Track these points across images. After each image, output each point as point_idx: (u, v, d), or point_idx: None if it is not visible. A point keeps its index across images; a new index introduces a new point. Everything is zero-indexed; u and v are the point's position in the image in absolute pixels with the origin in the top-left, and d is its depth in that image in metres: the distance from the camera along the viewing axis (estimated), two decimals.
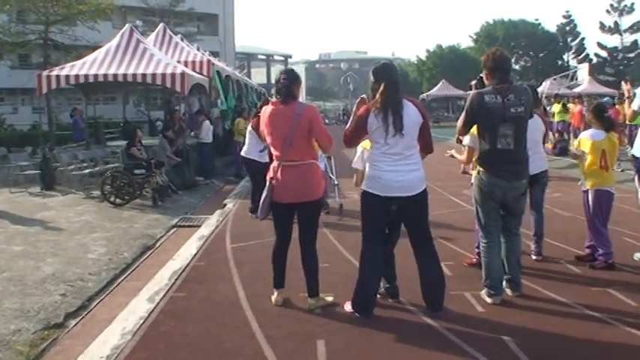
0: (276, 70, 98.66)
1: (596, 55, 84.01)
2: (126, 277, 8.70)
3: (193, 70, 20.08)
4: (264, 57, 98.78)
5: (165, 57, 19.30)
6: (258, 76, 79.02)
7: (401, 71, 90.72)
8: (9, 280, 8.24)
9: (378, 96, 5.98)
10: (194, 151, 18.50)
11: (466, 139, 7.67)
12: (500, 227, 6.70)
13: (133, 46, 18.21)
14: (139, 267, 9.21)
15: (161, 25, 24.14)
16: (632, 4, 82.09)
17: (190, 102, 26.66)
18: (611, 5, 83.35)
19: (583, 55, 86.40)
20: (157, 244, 10.66)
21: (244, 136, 20.39)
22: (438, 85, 66.16)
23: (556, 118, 26.20)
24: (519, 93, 6.33)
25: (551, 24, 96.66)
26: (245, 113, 21.64)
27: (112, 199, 14.31)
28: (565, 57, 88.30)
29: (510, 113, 6.24)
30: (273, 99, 6.51)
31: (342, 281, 7.12)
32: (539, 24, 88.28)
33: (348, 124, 6.26)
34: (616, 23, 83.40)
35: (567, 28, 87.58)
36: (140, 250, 10.11)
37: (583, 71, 54.28)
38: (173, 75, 17.14)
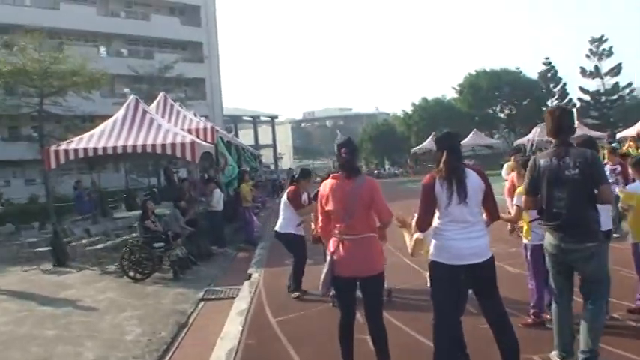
0: (263, 131, 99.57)
1: (579, 99, 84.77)
2: (170, 358, 8.42)
3: (197, 137, 20.00)
4: (250, 118, 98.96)
5: (171, 127, 19.23)
6: (245, 138, 79.10)
7: (387, 126, 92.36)
8: None
9: (441, 165, 5.95)
10: (204, 220, 18.27)
11: (515, 199, 7.64)
12: (571, 289, 6.54)
13: (140, 117, 18.14)
14: (180, 347, 8.93)
15: (161, 95, 24.15)
16: (611, 47, 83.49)
17: (191, 169, 26.56)
18: (590, 50, 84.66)
19: (566, 100, 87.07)
20: (190, 321, 10.37)
21: (249, 201, 20.58)
22: (429, 139, 66.37)
23: None
24: (576, 155, 6.23)
25: (532, 72, 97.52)
26: (247, 177, 21.63)
27: (132, 273, 14.05)
28: (549, 103, 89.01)
29: (565, 176, 6.16)
30: (335, 173, 6.47)
31: (402, 352, 6.90)
32: (521, 72, 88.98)
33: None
34: (596, 67, 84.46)
35: (548, 74, 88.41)
36: (175, 328, 9.83)
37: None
38: (183, 145, 17.06)
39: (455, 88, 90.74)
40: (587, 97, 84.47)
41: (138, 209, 22.63)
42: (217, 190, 18.59)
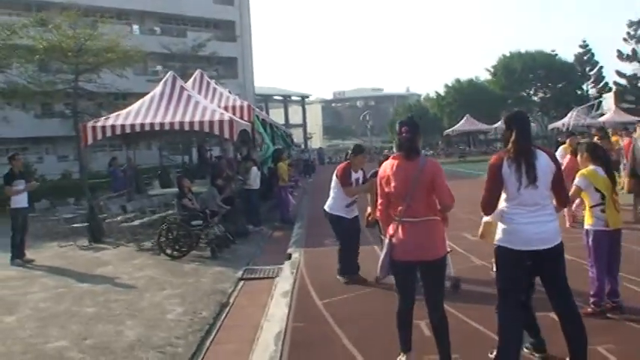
0: (293, 110, 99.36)
1: (615, 83, 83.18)
2: (213, 339, 8.15)
3: (234, 115, 19.73)
4: (281, 98, 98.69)
5: (209, 104, 18.96)
6: (276, 117, 78.72)
7: (420, 107, 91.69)
8: (95, 348, 7.75)
9: (510, 144, 5.63)
10: (240, 198, 18.02)
11: (577, 180, 7.35)
12: None
13: (178, 94, 17.92)
14: (223, 327, 8.65)
15: (198, 72, 23.88)
16: None
17: (226, 147, 26.36)
18: (628, 33, 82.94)
19: (602, 83, 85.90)
20: (231, 301, 10.10)
21: (286, 180, 20.32)
22: (463, 120, 65.83)
23: None
24: None
25: (568, 54, 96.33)
26: (284, 156, 21.34)
27: (169, 251, 13.86)
28: (584, 87, 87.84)
29: None
30: (395, 153, 6.12)
31: (463, 340, 6.56)
32: (557, 55, 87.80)
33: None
34: (634, 51, 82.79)
35: (585, 57, 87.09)
36: (217, 308, 9.56)
37: (609, 100, 53.87)
38: (221, 122, 16.80)
39: (489, 70, 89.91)
40: (623, 82, 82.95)
41: (172, 186, 22.54)
42: (254, 169, 18.34)
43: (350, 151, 10.42)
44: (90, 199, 18.35)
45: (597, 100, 57.82)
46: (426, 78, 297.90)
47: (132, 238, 15.93)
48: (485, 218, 6.13)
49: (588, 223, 7.70)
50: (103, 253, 14.91)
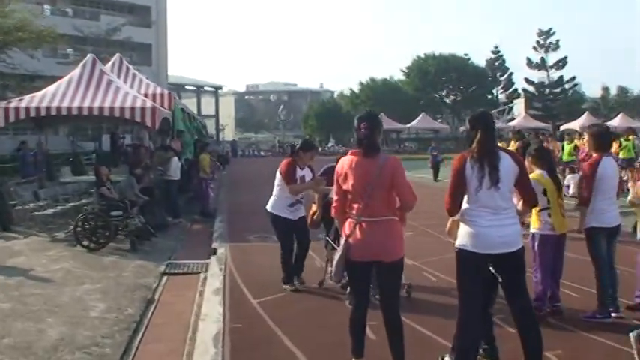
0: (206, 101, 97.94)
1: (524, 90, 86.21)
2: (142, 338, 7.67)
3: (154, 102, 19.07)
4: (193, 87, 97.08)
5: (130, 89, 18.24)
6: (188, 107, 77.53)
7: (334, 103, 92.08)
8: (14, 348, 7.13)
9: (474, 144, 5.49)
10: (159, 189, 17.40)
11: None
12: None
13: (97, 78, 17.13)
14: (151, 325, 8.18)
15: (117, 56, 22.93)
16: (558, 41, 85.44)
17: (141, 135, 25.62)
18: (538, 42, 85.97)
19: (511, 89, 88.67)
20: (157, 297, 9.60)
21: (207, 172, 19.80)
22: None
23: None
24: None
25: (480, 59, 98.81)
26: (209, 148, 20.82)
27: (86, 242, 13.16)
28: (494, 91, 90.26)
29: None
30: (353, 149, 5.83)
31: (415, 349, 6.31)
32: (469, 59, 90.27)
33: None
34: (542, 59, 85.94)
35: (496, 63, 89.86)
36: (143, 305, 9.04)
37: (519, 106, 55.48)
38: (143, 109, 16.15)
39: (403, 71, 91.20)
40: (531, 89, 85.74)
41: (85, 174, 21.69)
42: (175, 159, 17.76)
43: (297, 146, 9.69)
44: (1, 185, 17.34)
45: (508, 106, 59.44)
46: (340, 75, 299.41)
47: (44, 228, 15.09)
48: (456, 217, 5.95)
49: (535, 226, 7.66)
50: (14, 243, 14.03)
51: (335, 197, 5.92)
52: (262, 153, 76.48)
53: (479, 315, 5.59)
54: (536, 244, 7.65)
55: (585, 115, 55.98)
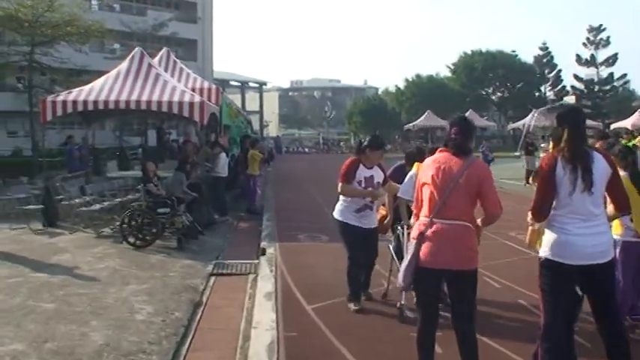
0: (250, 97, 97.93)
1: (573, 87, 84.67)
2: (190, 344, 7.24)
3: (201, 97, 18.73)
4: (238, 83, 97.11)
5: (177, 84, 17.91)
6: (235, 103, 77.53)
7: (378, 100, 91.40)
8: (57, 353, 6.74)
9: (563, 143, 4.95)
10: (205, 185, 17.03)
11: None
12: None
13: (145, 71, 16.81)
14: (199, 330, 7.75)
15: (165, 50, 22.71)
16: (608, 37, 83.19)
17: (188, 130, 25.33)
18: (588, 38, 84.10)
19: (560, 87, 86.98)
20: (204, 299, 9.17)
21: (257, 169, 19.39)
22: (424, 116, 65.38)
23: None
24: None
25: (528, 56, 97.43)
26: (258, 145, 20.44)
27: (132, 240, 12.83)
28: (542, 89, 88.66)
29: None
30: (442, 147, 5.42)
31: None
32: (517, 55, 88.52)
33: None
34: (592, 56, 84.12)
35: (544, 60, 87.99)
36: (190, 308, 8.62)
37: (570, 103, 54.09)
38: (192, 104, 15.78)
39: (449, 67, 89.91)
40: (581, 86, 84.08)
41: (131, 169, 21.45)
42: (223, 155, 17.41)
43: (364, 142, 8.32)
44: (47, 180, 17.13)
45: (559, 103, 58.04)
46: (384, 72, 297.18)
47: (90, 224, 14.84)
48: (533, 224, 5.39)
49: (617, 232, 7.03)
50: (60, 239, 13.78)
51: (415, 203, 5.45)
52: (306, 149, 76.30)
53: (566, 332, 5.05)
54: (617, 251, 7.04)
55: (637, 113, 54.39)
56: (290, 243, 12.85)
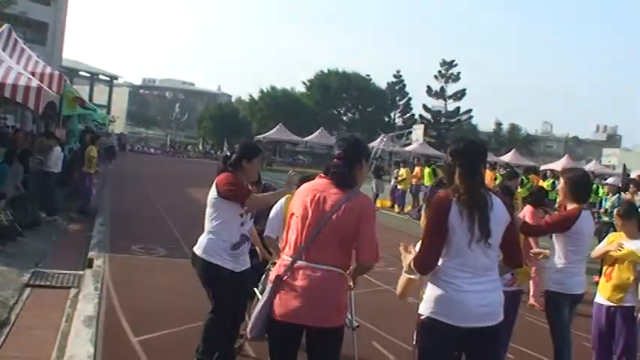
0: (99, 90, 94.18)
1: (421, 116, 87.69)
2: None
3: (41, 82, 17.01)
4: (87, 75, 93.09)
5: (15, 65, 16.11)
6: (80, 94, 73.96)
7: (231, 107, 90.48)
8: None
9: (458, 182, 4.15)
10: (35, 180, 15.38)
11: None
12: None
13: None
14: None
15: (6, 26, 20.62)
16: (459, 73, 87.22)
17: (26, 116, 23.34)
18: (440, 72, 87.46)
19: (409, 114, 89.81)
20: (13, 317, 7.78)
21: (94, 166, 17.89)
22: (275, 129, 65.16)
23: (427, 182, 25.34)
24: None
25: (382, 81, 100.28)
26: (99, 140, 18.95)
27: None
28: (392, 115, 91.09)
29: None
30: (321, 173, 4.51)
31: None
32: (371, 80, 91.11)
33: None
34: (442, 89, 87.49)
35: (396, 87, 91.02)
36: None
37: (418, 131, 55.23)
38: (27, 88, 14.05)
39: (304, 83, 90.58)
40: (428, 116, 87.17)
41: None
42: (58, 148, 15.81)
43: (234, 153, 6.15)
44: None
45: (407, 130, 59.25)
46: (239, 80, 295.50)
47: None
48: (409, 274, 4.52)
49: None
50: None
51: (285, 235, 4.48)
52: (152, 150, 74.00)
53: None
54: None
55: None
56: (122, 255, 11.53)
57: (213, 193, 5.98)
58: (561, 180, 6.41)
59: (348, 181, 4.33)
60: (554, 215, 6.82)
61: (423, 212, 4.96)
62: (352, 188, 4.33)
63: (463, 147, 4.31)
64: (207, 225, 6.05)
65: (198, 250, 6.02)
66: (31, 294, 8.85)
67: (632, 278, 6.37)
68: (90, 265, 10.44)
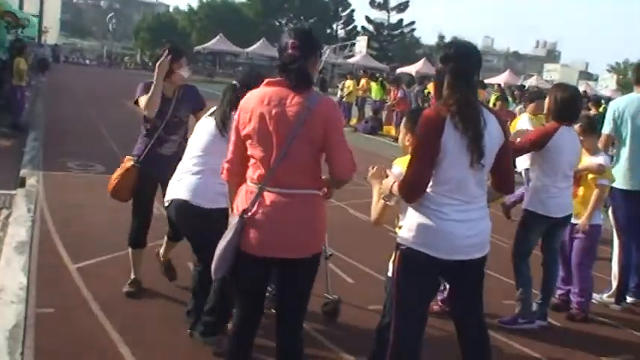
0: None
1: (363, 28, 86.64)
2: None
3: None
4: None
5: None
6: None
7: (169, 17, 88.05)
8: None
9: (451, 94, 3.60)
10: None
11: None
12: None
13: None
14: None
15: None
16: None
17: None
18: None
19: (351, 26, 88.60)
20: None
21: (24, 79, 16.85)
22: (215, 39, 63.56)
23: (375, 96, 24.96)
24: None
25: None
26: (28, 50, 17.82)
27: None
28: (334, 26, 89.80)
29: None
30: (269, 78, 3.72)
31: None
32: None
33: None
34: (385, 0, 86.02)
35: None
36: None
37: (361, 43, 54.66)
38: None
39: None
40: (371, 28, 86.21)
41: None
42: None
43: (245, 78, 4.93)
44: None
45: (351, 42, 58.57)
46: None
47: None
48: (388, 200, 3.97)
49: None
50: None
51: (229, 153, 3.81)
52: (87, 61, 71.62)
53: (420, 340, 3.85)
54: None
55: (423, 61, 56.15)
56: (57, 173, 10.77)
57: (206, 120, 5.02)
58: (548, 97, 5.98)
59: (307, 79, 3.61)
60: (531, 132, 6.38)
61: (402, 129, 4.42)
62: (310, 88, 3.64)
63: (455, 51, 3.72)
64: (198, 158, 4.91)
65: (189, 195, 4.85)
66: None
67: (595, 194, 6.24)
68: (22, 185, 9.69)
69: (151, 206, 5.84)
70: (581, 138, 6.10)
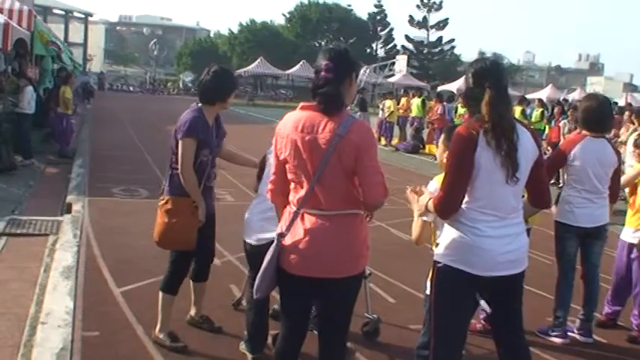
0: (74, 28, 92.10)
1: (403, 47, 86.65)
2: None
3: (10, 19, 16.21)
4: (62, 12, 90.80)
5: None
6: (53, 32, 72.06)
7: (210, 42, 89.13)
8: None
9: (485, 110, 3.60)
10: (8, 123, 14.69)
11: None
12: None
13: None
14: None
15: None
16: (441, 2, 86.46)
17: None
18: (421, 1, 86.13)
19: (391, 45, 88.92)
20: None
21: (70, 107, 17.22)
22: (256, 63, 64.18)
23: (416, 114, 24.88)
24: None
25: (363, 12, 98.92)
26: (71, 79, 18.21)
27: None
28: (374, 46, 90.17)
29: None
30: (303, 103, 3.75)
31: None
32: (352, 10, 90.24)
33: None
34: (424, 18, 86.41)
35: (378, 17, 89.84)
36: None
37: (401, 62, 54.67)
38: None
39: (284, 15, 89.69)
40: (411, 46, 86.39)
41: None
42: (30, 88, 15.04)
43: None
44: None
45: (390, 61, 58.57)
46: (218, 14, 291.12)
47: None
48: (424, 217, 4.03)
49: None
50: None
51: (271, 175, 3.89)
52: (131, 88, 72.82)
53: (459, 358, 3.88)
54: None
55: (464, 78, 55.86)
56: (102, 198, 11.04)
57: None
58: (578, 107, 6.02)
59: (337, 103, 3.60)
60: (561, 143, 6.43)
61: (440, 146, 4.47)
62: (341, 111, 3.63)
63: (491, 66, 3.78)
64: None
65: (254, 239, 4.99)
66: (7, 243, 8.33)
67: None
68: (69, 211, 9.93)
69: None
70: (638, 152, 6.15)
